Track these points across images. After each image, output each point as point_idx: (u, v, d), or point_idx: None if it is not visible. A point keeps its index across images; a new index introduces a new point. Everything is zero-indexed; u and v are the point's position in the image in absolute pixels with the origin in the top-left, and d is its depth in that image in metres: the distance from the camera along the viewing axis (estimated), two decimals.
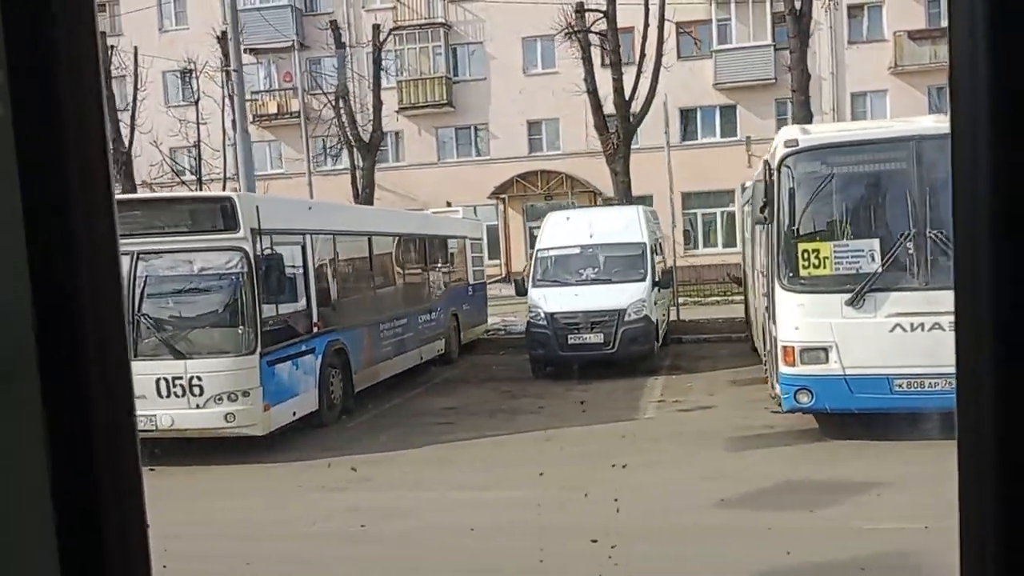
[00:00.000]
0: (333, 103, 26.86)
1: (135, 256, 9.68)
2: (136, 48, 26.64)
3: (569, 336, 13.89)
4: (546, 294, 14.30)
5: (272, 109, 34.09)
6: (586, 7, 22.31)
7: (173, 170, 29.46)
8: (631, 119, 21.92)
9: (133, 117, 26.39)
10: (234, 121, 18.41)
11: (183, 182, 29.55)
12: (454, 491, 8.54)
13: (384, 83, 34.37)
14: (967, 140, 0.95)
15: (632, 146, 32.58)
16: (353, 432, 11.29)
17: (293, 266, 10.75)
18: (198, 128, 30.20)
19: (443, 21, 32.94)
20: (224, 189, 25.53)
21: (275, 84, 34.80)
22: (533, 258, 15.78)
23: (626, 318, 13.84)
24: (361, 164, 26.52)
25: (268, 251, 10.03)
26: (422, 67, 33.00)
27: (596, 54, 23.29)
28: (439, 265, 17.05)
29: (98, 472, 0.96)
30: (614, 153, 21.81)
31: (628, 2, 21.76)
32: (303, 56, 34.12)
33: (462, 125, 33.79)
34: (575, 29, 22.12)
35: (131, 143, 26.19)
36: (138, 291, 9.74)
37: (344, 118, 26.08)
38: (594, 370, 13.72)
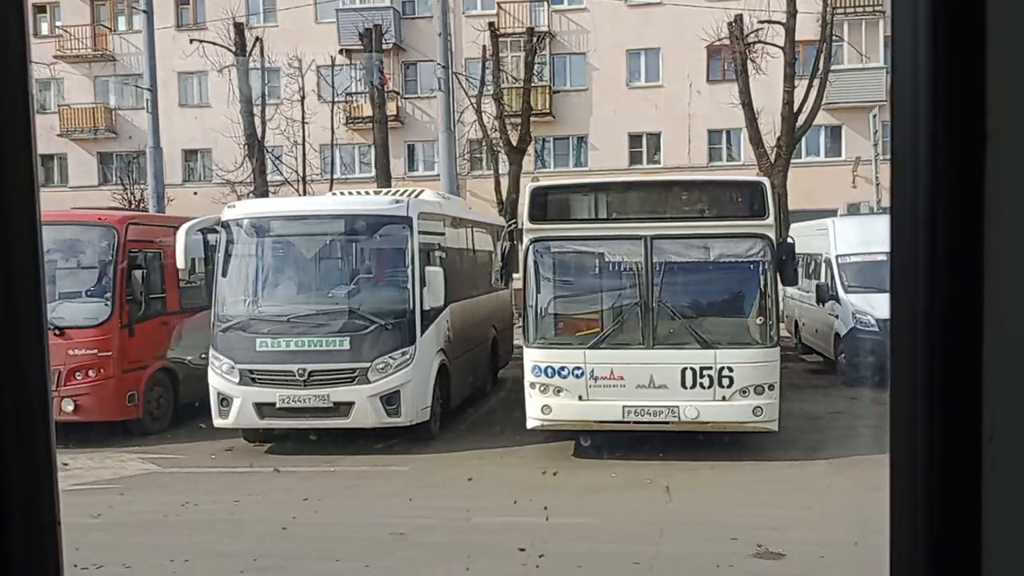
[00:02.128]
0: (475, 106, 26.99)
1: (647, 241, 9.26)
2: (259, 40, 26.90)
3: None
4: (869, 299, 13.73)
5: (367, 111, 34.34)
6: (761, 20, 22.33)
7: (278, 169, 29.87)
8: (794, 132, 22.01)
9: (263, 112, 26.63)
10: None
11: (287, 181, 29.97)
12: None
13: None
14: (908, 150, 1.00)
15: (735, 162, 32.09)
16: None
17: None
18: (303, 127, 30.66)
19: (547, 30, 32.81)
20: (331, 189, 25.75)
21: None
22: (833, 265, 15.06)
23: None
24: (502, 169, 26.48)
25: (784, 240, 9.83)
26: (523, 76, 32.91)
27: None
28: None
29: (6, 461, 0.93)
30: (772, 167, 21.55)
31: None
32: (399, 59, 34.47)
33: (561, 135, 33.56)
34: (748, 40, 22.11)
35: (262, 137, 26.41)
36: (655, 277, 9.32)
37: (496, 122, 26.16)
38: None
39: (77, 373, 10.81)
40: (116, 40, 35.09)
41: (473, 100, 27.45)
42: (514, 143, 25.89)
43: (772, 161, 22.69)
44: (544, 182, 10.98)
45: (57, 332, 10.74)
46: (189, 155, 35.14)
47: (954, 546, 1.00)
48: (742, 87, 22.26)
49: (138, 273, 11.24)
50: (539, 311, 9.47)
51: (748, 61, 22.98)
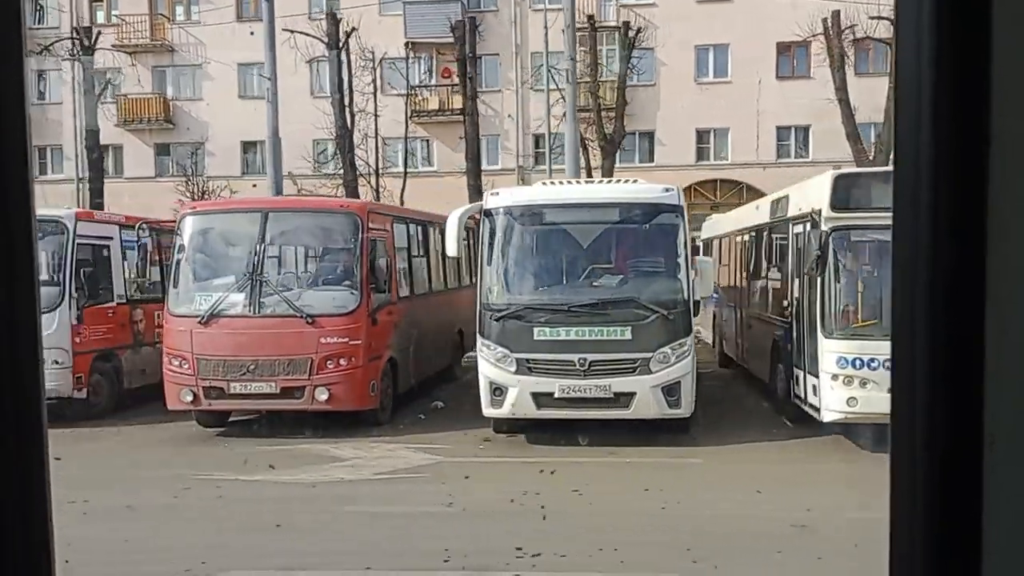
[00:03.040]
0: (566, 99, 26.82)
1: None
2: (354, 30, 26.58)
3: None
4: None
5: (433, 105, 34.19)
6: (872, 15, 22.42)
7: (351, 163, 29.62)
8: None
9: (351, 103, 26.34)
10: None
11: (361, 175, 29.72)
12: None
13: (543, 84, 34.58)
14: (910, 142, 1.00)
15: (804, 159, 32.21)
16: None
17: None
18: (375, 120, 30.43)
19: (616, 24, 32.78)
20: (404, 183, 25.54)
21: (434, 80, 34.89)
22: None
23: None
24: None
25: None
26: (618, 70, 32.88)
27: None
28: None
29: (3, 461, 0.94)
30: (871, 163, 21.66)
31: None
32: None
33: (628, 131, 33.55)
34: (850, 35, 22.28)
35: (351, 130, 26.17)
36: None
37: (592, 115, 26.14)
38: None
39: (329, 362, 10.64)
40: (175, 31, 34.64)
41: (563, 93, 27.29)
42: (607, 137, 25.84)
43: (872, 157, 22.82)
44: (845, 170, 10.98)
45: (309, 320, 10.60)
46: (247, 147, 34.75)
47: (954, 544, 1.01)
48: (839, 83, 22.41)
49: (382, 261, 11.14)
50: (837, 302, 9.42)
51: (845, 56, 23.14)
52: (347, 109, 25.46)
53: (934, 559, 1.02)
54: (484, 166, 33.94)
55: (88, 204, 27.71)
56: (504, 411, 10.00)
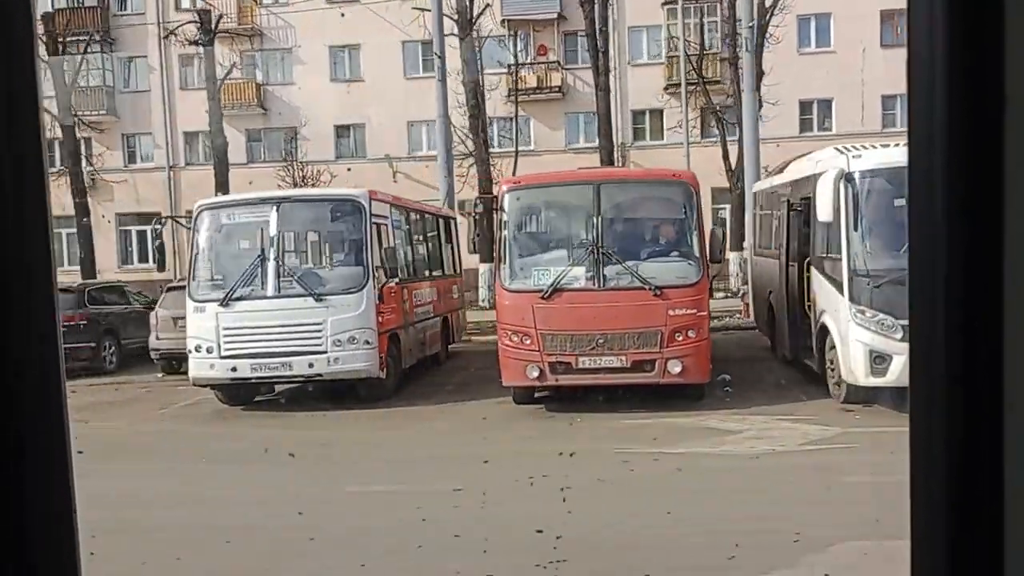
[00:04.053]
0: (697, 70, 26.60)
1: None
2: (487, 7, 26.15)
3: None
4: None
5: (531, 83, 33.79)
6: None
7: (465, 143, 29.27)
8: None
9: (482, 84, 25.94)
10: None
11: (470, 154, 29.40)
12: None
13: (644, 59, 34.27)
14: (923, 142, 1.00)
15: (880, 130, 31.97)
16: None
17: None
18: (481, 100, 30.02)
19: None
20: (516, 162, 25.16)
21: (529, 57, 34.50)
22: None
23: None
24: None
25: None
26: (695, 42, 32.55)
27: None
28: None
29: (26, 452, 0.95)
30: None
31: None
32: (559, 30, 33.93)
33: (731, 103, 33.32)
34: None
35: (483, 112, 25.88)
36: None
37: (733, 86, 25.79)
38: None
39: (678, 334, 10.43)
40: (264, 15, 34.11)
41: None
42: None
43: None
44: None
45: (656, 292, 10.37)
46: (341, 131, 34.35)
47: (976, 520, 1.01)
48: None
49: (718, 231, 11.05)
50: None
51: None
52: (477, 88, 25.16)
53: (955, 522, 1.01)
54: (581, 143, 33.77)
55: (214, 191, 27.32)
56: (888, 379, 9.76)
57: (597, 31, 25.30)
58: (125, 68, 34.67)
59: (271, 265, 11.57)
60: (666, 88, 32.78)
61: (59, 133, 27.45)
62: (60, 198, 27.37)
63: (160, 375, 15.94)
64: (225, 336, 11.55)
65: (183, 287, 13.10)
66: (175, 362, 15.13)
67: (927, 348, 1.01)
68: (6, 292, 0.94)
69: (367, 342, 11.59)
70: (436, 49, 20.41)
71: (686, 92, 29.44)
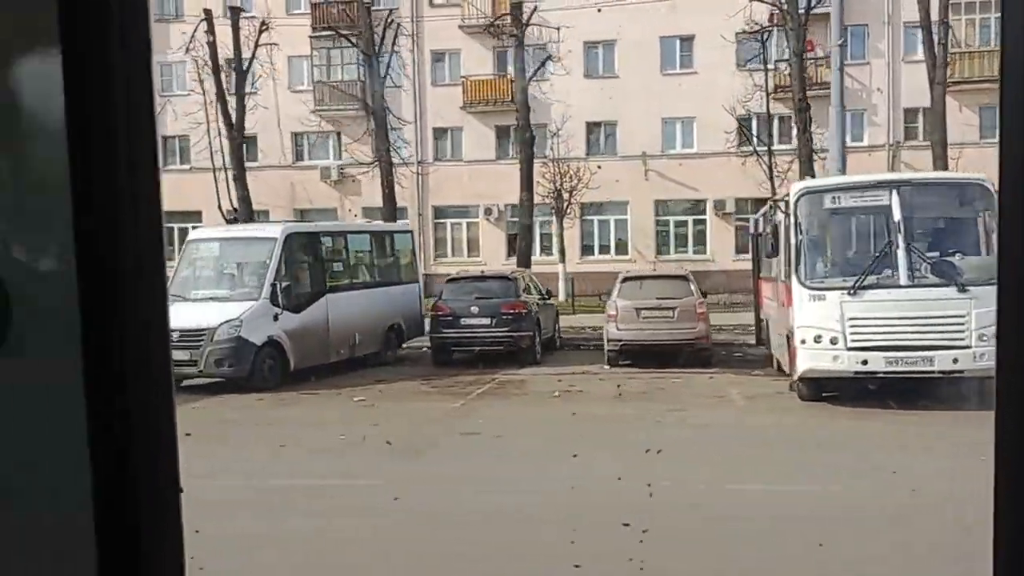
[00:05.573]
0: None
1: None
2: None
3: None
4: None
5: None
6: None
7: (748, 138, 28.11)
8: None
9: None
10: None
11: (754, 152, 28.17)
12: None
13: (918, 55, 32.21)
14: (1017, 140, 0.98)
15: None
16: None
17: None
18: (767, 94, 28.80)
19: None
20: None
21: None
22: None
23: None
24: None
25: None
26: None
27: None
28: None
29: (135, 441, 1.00)
30: None
31: None
32: (828, 24, 32.20)
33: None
34: None
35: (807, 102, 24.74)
36: None
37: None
38: None
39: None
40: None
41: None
42: None
43: None
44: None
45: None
46: (591, 128, 33.73)
47: None
48: None
49: None
50: None
51: None
52: (802, 78, 24.04)
53: None
54: (849, 143, 31.94)
55: (522, 186, 27.18)
56: None
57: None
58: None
59: (901, 252, 11.08)
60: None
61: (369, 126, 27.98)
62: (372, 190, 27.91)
63: (607, 366, 16.12)
64: (853, 327, 11.05)
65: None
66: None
67: (1016, 346, 1.00)
68: (121, 283, 0.98)
69: None
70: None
71: (943, 89, 27.25)
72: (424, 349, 18.84)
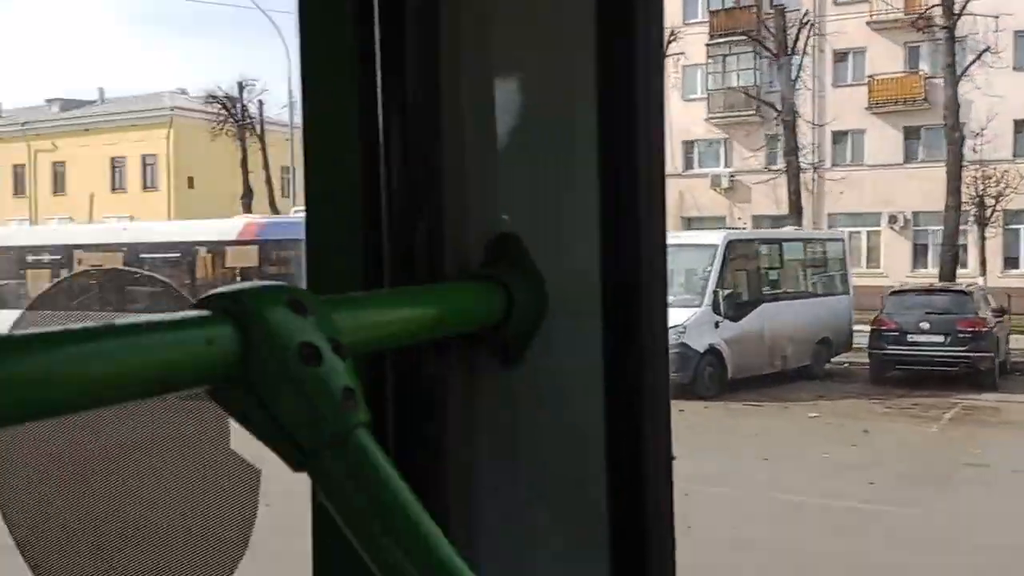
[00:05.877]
0: None
1: None
2: None
3: None
4: None
5: None
6: None
7: None
8: None
9: None
10: None
11: None
12: None
13: None
14: None
15: None
16: None
17: None
18: None
19: None
20: None
21: None
22: None
23: None
24: None
25: None
26: None
27: None
28: None
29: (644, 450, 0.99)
30: None
31: None
32: None
33: None
34: None
35: None
36: None
37: None
38: None
39: None
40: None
41: None
42: None
43: None
44: None
45: None
46: (1020, 126, 30.24)
47: None
48: None
49: None
50: None
51: None
52: None
53: None
54: None
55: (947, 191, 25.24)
56: None
57: None
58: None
59: None
60: None
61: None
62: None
63: None
64: None
65: None
66: None
67: None
68: (635, 289, 0.98)
69: None
70: None
71: None
72: (846, 365, 17.89)
